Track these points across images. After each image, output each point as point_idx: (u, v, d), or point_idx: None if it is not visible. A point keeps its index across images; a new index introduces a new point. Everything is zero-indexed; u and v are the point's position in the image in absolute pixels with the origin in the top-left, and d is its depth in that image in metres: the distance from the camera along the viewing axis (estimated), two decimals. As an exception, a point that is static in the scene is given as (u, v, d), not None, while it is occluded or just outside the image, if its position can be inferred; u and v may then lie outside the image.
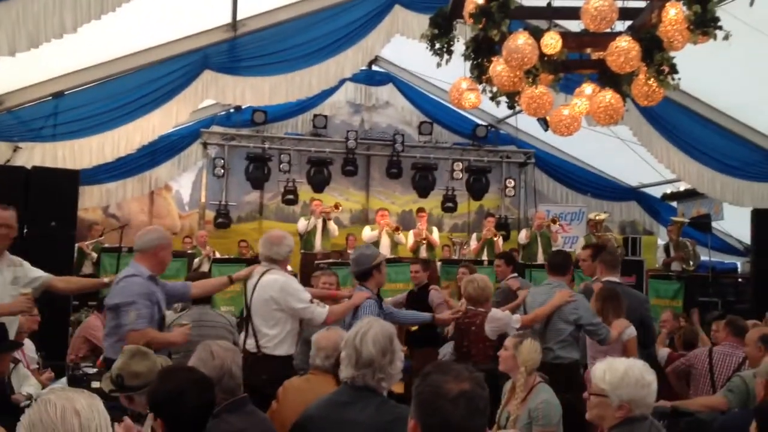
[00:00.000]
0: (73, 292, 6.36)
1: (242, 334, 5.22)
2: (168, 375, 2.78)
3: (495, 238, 12.39)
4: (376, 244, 11.42)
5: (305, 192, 14.60)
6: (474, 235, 12.95)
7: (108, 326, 4.70)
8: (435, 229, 12.76)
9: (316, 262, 10.28)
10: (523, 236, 12.47)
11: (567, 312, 5.54)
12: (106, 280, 5.34)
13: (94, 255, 11.15)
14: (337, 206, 12.87)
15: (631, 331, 5.50)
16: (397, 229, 12.28)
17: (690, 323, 7.95)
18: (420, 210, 13.14)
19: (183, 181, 14.85)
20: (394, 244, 11.98)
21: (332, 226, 12.39)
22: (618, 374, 3.13)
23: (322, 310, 4.99)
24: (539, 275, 9.08)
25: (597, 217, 12.20)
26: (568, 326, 5.54)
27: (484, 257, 11.70)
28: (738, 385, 4.65)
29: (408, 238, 12.30)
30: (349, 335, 3.18)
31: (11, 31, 5.98)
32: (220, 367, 3.11)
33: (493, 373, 4.50)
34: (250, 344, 4.97)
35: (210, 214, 14.49)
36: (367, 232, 12.12)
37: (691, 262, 11.69)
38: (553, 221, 12.32)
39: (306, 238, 12.19)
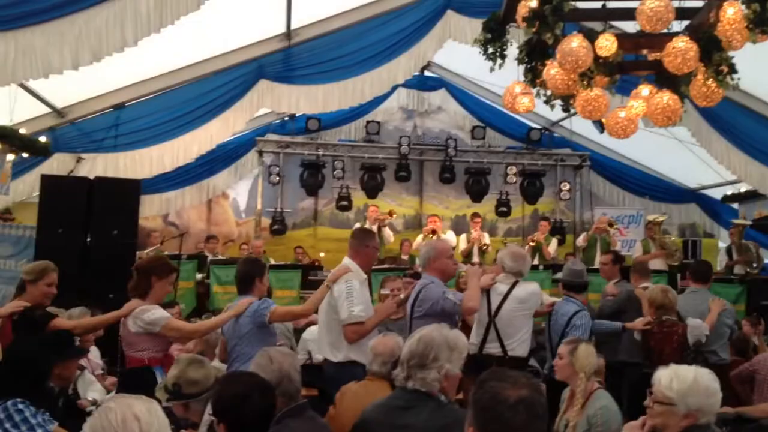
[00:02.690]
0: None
1: (473, 338, 5.51)
2: (231, 380, 2.84)
3: (542, 242, 12.36)
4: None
5: (359, 198, 14.68)
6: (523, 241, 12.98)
7: None
8: (486, 235, 12.77)
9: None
10: (581, 240, 12.33)
11: (724, 316, 6.69)
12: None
13: (155, 263, 11.37)
14: (391, 213, 12.92)
15: None
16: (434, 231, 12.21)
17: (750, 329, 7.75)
18: (475, 215, 13.15)
19: (239, 188, 15.08)
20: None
21: (387, 232, 12.44)
22: (687, 382, 3.08)
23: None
24: (595, 279, 8.97)
25: (655, 220, 11.95)
26: (727, 329, 6.72)
27: (536, 261, 11.64)
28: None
29: (460, 243, 12.35)
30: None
31: (75, 45, 6.18)
32: (278, 371, 3.15)
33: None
34: (494, 347, 5.40)
35: (266, 221, 14.66)
36: (419, 240, 12.18)
37: (755, 265, 11.38)
38: (610, 225, 12.11)
39: (361, 244, 12.24)
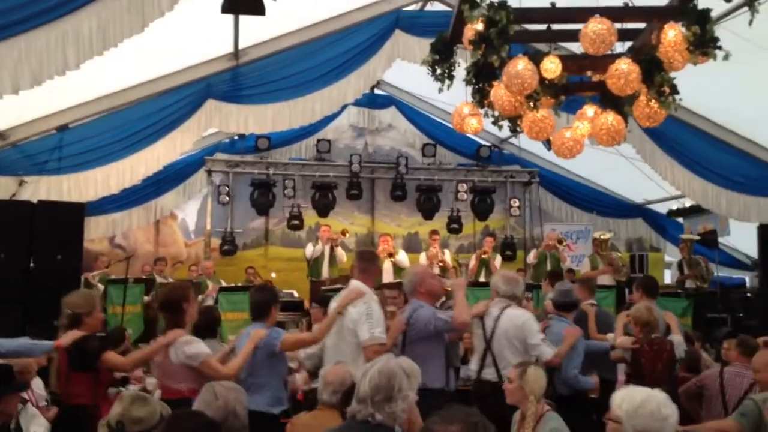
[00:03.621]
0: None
1: (472, 364, 5.57)
2: (176, 420, 2.76)
3: (485, 257, 12.49)
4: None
5: (310, 217, 14.61)
6: (473, 255, 13.06)
7: None
8: (447, 252, 12.82)
9: (323, 288, 10.27)
10: (531, 256, 12.51)
11: None
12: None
13: (101, 286, 11.15)
14: (344, 233, 12.90)
15: None
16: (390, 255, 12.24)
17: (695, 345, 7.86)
18: (433, 232, 13.26)
19: (188, 209, 14.88)
20: (398, 269, 11.97)
21: (339, 252, 12.40)
22: (634, 404, 3.10)
23: (549, 350, 5.37)
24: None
25: (602, 237, 12.18)
26: None
27: (482, 278, 11.74)
28: (751, 409, 4.58)
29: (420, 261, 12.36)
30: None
31: (14, 69, 6.01)
32: (224, 408, 3.09)
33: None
34: (490, 373, 5.33)
35: (216, 242, 14.47)
36: None
37: (705, 279, 11.67)
38: (559, 242, 12.29)
39: (313, 265, 12.20)
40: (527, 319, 5.51)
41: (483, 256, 12.67)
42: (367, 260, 5.50)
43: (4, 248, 8.16)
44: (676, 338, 6.35)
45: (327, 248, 12.23)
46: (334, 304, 5.24)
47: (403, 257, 12.31)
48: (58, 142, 9.59)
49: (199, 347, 4.60)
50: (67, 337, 4.67)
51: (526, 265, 13.55)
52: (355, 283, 5.28)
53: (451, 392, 5.36)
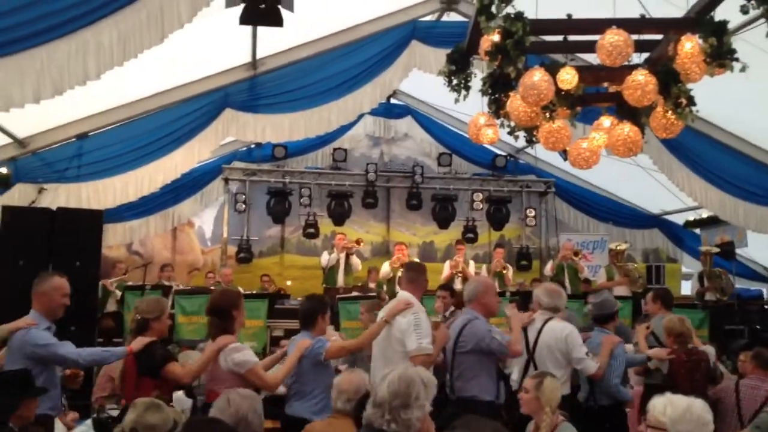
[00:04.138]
0: None
1: (514, 375, 5.80)
2: (192, 428, 2.78)
3: (504, 271, 12.45)
4: (392, 279, 11.52)
5: (326, 225, 14.65)
6: (484, 267, 13.02)
7: None
8: (472, 263, 12.77)
9: (338, 296, 10.29)
10: (548, 268, 12.43)
11: None
12: None
13: (118, 293, 11.22)
14: (358, 242, 12.90)
15: None
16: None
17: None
18: (459, 242, 13.32)
19: (205, 216, 14.97)
20: None
21: (355, 260, 12.42)
22: (679, 410, 3.13)
23: (593, 364, 5.55)
24: (570, 305, 9.07)
25: (618, 248, 12.13)
26: None
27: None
28: (766, 422, 4.58)
29: (444, 270, 12.43)
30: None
31: (36, 79, 6.09)
32: (235, 415, 3.13)
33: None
34: None
35: (232, 249, 14.54)
36: (385, 268, 12.14)
37: (725, 291, 11.59)
38: (575, 254, 12.24)
39: (328, 273, 12.22)
40: (570, 332, 5.63)
41: (498, 270, 12.62)
42: (415, 271, 5.65)
43: (24, 254, 8.22)
44: (710, 349, 6.41)
45: (342, 257, 12.25)
46: (382, 314, 5.37)
47: (472, 269, 12.32)
48: (78, 150, 9.70)
49: (247, 355, 4.73)
50: (138, 343, 4.84)
51: (542, 275, 13.49)
52: (404, 294, 5.41)
53: (501, 404, 5.41)
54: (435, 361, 5.09)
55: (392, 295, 10.04)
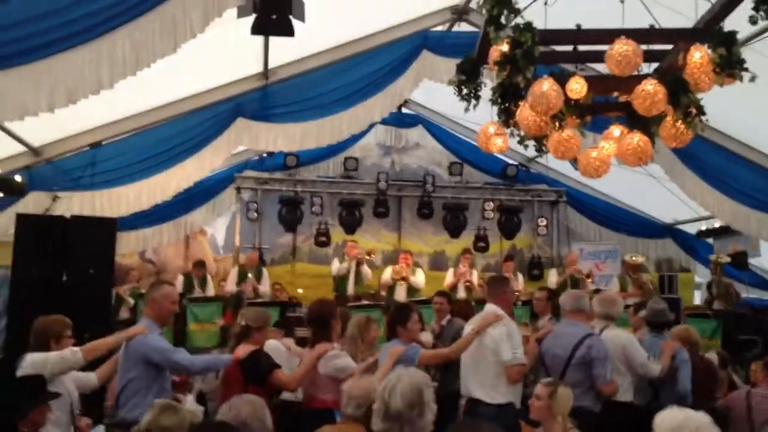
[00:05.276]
0: None
1: None
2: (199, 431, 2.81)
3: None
4: (392, 288, 11.57)
5: (337, 234, 14.68)
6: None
7: None
8: (475, 272, 12.77)
9: (348, 305, 10.32)
10: (554, 282, 12.34)
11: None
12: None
13: (131, 301, 11.30)
14: (369, 254, 12.93)
15: None
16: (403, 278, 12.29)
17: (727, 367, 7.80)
18: (466, 251, 13.34)
19: (217, 225, 15.04)
20: (412, 290, 12.00)
21: (366, 269, 12.46)
22: (674, 423, 3.11)
23: (656, 367, 5.80)
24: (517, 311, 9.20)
25: (634, 261, 12.11)
26: None
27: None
28: (776, 431, 4.57)
29: (447, 277, 12.56)
30: (379, 387, 3.22)
31: (49, 88, 6.17)
32: (233, 419, 3.18)
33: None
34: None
35: (244, 258, 14.59)
36: (386, 275, 12.21)
37: (730, 301, 11.58)
38: (588, 276, 12.27)
39: (339, 281, 12.26)
40: (627, 338, 5.93)
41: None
42: (497, 286, 5.89)
43: (38, 262, 8.34)
44: (712, 356, 6.46)
45: (353, 265, 12.28)
46: (470, 326, 5.62)
47: (418, 278, 12.33)
48: (91, 158, 9.77)
49: (347, 361, 5.05)
50: (242, 351, 5.06)
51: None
52: (491, 307, 5.62)
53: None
54: (527, 371, 5.47)
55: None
